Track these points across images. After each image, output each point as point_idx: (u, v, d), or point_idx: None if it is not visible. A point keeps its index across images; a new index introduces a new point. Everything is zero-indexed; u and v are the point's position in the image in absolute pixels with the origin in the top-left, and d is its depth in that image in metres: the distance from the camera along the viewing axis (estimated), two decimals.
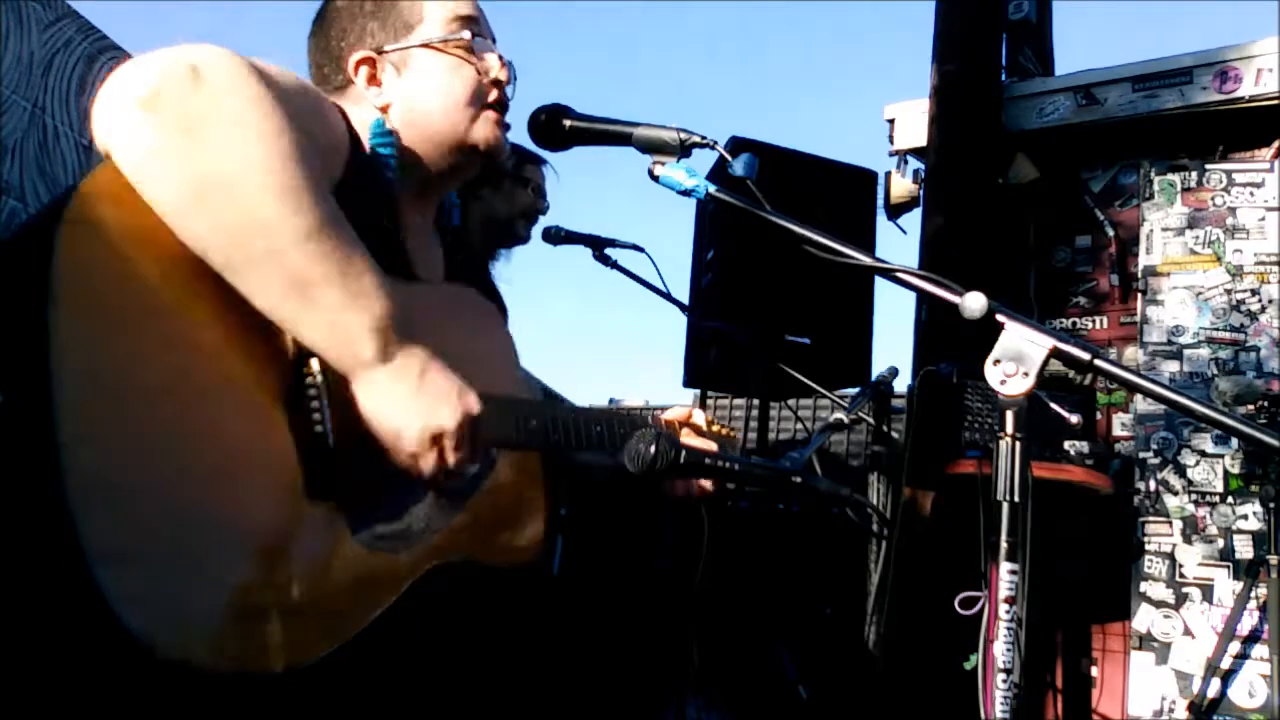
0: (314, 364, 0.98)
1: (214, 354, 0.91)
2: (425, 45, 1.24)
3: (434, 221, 1.35)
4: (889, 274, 1.13)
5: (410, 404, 1.00)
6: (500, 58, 1.28)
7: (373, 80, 1.23)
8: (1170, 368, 3.88)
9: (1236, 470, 3.71)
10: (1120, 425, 4.17)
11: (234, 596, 0.86)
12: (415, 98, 1.23)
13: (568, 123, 1.24)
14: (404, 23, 1.25)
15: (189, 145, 0.89)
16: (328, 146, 1.08)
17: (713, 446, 1.51)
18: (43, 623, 0.79)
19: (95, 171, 0.90)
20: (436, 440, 1.02)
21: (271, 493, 0.92)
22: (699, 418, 1.55)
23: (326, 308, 0.94)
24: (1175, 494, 3.79)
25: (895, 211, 4.78)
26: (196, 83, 0.90)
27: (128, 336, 0.85)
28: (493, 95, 1.27)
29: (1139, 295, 4.02)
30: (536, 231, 2.70)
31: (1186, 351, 3.87)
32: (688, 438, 1.52)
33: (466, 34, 1.25)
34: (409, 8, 1.25)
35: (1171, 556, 3.76)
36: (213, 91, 0.90)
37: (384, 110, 1.22)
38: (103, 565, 0.76)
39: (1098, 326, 4.34)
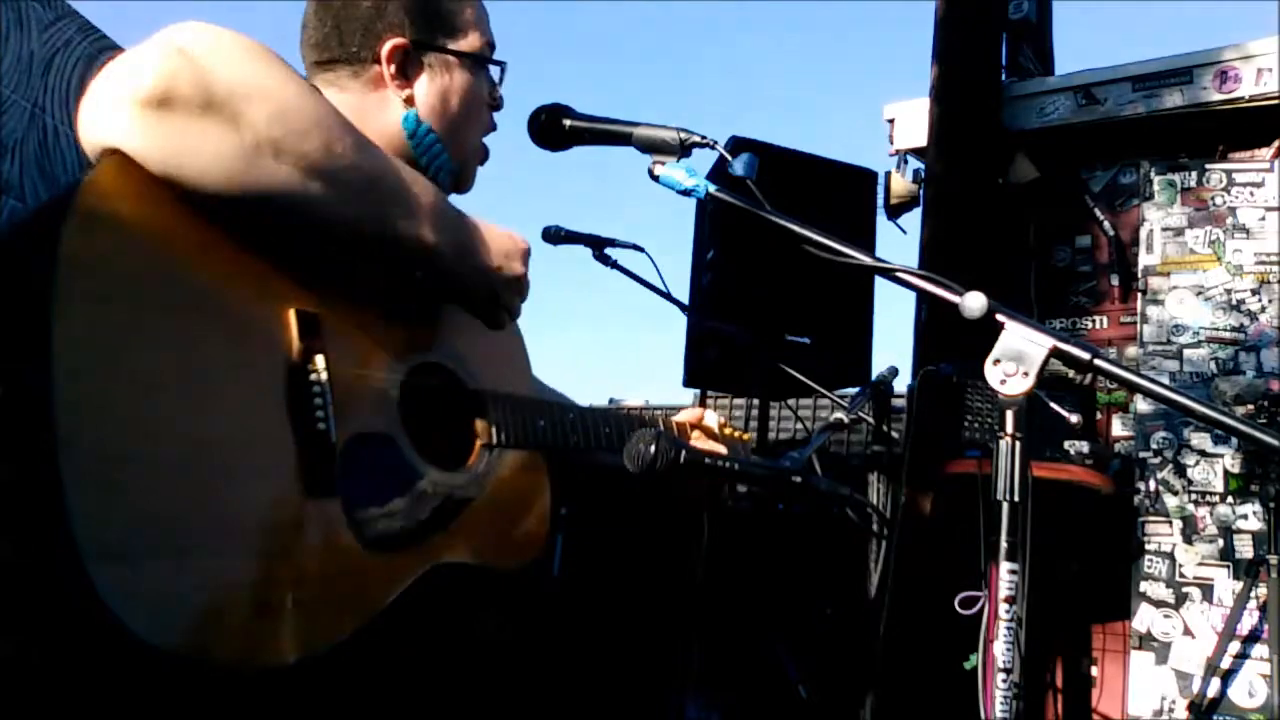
0: (319, 361, 0.98)
1: (216, 350, 0.91)
2: (471, 57, 1.23)
3: None
4: (889, 274, 1.13)
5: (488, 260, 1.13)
6: (497, 83, 1.30)
7: (400, 71, 1.20)
8: (1170, 368, 3.88)
9: (1236, 470, 3.71)
10: (1120, 425, 4.17)
11: (228, 591, 0.86)
12: (439, 104, 1.22)
13: (567, 123, 1.23)
14: (449, 26, 1.23)
15: (220, 119, 0.89)
16: None
17: (721, 449, 1.50)
18: (37, 618, 0.79)
19: (99, 166, 0.89)
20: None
21: (271, 489, 0.92)
22: (711, 419, 1.54)
23: (409, 201, 1.04)
24: (1175, 494, 3.79)
25: (895, 211, 4.78)
26: (195, 62, 0.89)
27: (130, 330, 0.84)
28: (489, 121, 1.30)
29: (1139, 295, 4.02)
30: (535, 231, 2.70)
31: (1186, 351, 3.87)
32: (698, 440, 1.52)
33: (499, 65, 1.27)
34: (456, 13, 1.24)
35: (1171, 556, 3.76)
36: (214, 64, 0.90)
37: (407, 103, 1.21)
38: (98, 561, 0.76)
39: (1098, 326, 4.34)
